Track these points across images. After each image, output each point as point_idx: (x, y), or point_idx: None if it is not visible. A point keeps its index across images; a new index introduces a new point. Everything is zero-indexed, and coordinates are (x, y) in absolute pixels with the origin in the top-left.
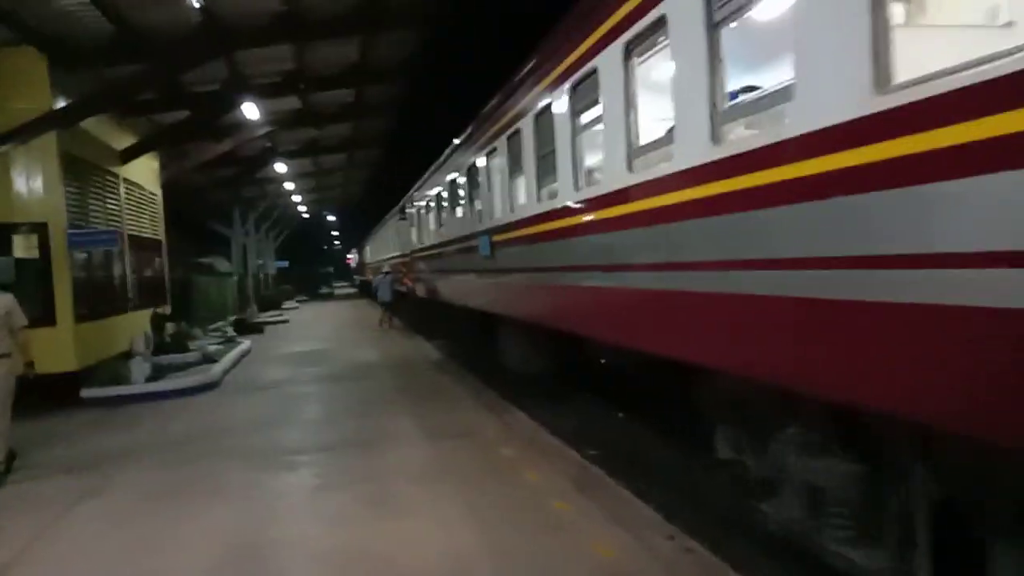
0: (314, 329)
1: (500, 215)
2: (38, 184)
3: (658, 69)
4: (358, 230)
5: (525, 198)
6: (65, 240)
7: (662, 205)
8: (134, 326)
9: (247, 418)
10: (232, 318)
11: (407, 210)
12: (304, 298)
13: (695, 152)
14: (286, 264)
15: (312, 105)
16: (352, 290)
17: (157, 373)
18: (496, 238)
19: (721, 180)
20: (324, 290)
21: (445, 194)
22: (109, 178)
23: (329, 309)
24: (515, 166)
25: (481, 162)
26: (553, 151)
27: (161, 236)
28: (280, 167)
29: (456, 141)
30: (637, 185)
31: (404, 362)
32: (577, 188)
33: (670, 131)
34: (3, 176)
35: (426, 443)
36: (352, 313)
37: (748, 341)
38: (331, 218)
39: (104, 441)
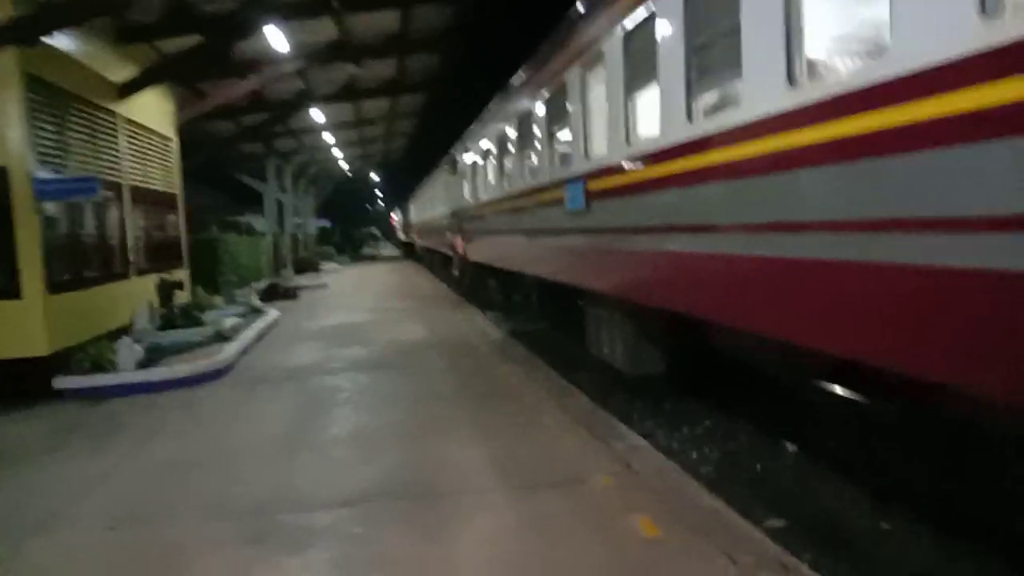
0: (354, 296)
1: (607, 151)
2: None
3: None
4: (402, 189)
5: (663, 120)
6: (30, 189)
7: None
8: (137, 295)
9: (250, 433)
10: (264, 283)
11: (459, 161)
12: (346, 259)
13: None
14: (327, 223)
15: (350, 34)
16: (396, 252)
17: (155, 355)
18: (596, 185)
19: None
20: (367, 251)
21: (511, 134)
22: (102, 116)
23: (372, 272)
24: (641, 74)
25: (573, 81)
26: (734, 29)
27: (176, 189)
28: (316, 115)
29: (528, 65)
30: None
31: (458, 343)
32: (794, 83)
33: None
34: None
35: (507, 498)
36: (397, 278)
37: None
38: (375, 177)
39: (42, 478)
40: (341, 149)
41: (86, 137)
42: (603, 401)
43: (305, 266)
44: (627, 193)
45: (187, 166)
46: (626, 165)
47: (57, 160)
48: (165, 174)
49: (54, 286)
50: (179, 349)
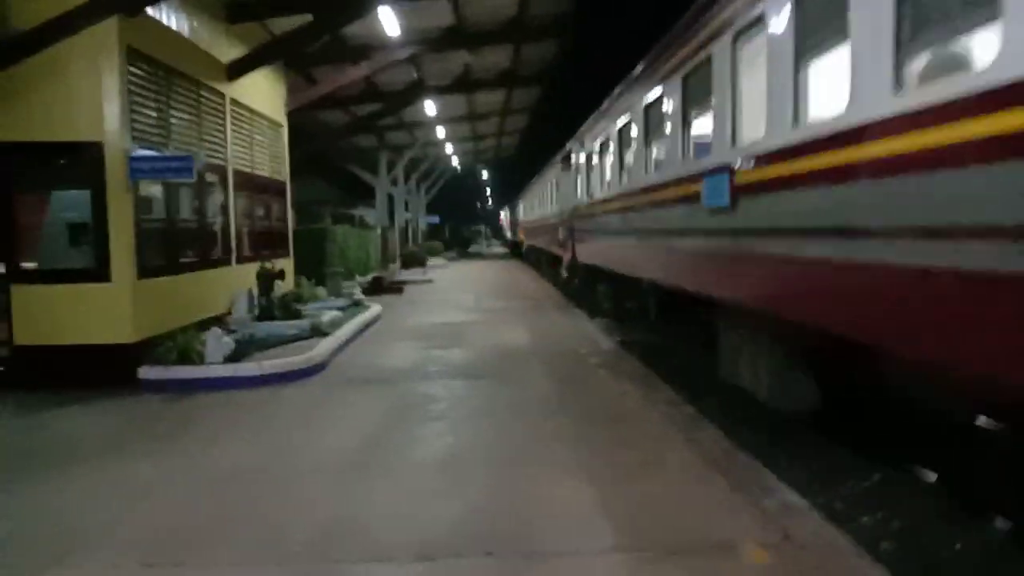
0: (458, 293)
1: (767, 136)
2: (91, 90)
3: None
4: (511, 187)
5: (855, 93)
6: (126, 167)
7: None
8: (237, 283)
9: (327, 445)
10: (370, 276)
11: (572, 157)
12: (453, 256)
13: None
14: (437, 219)
15: (464, 19)
16: (503, 250)
17: (246, 347)
18: (747, 177)
19: None
20: (474, 249)
21: (633, 125)
22: (209, 96)
23: (478, 269)
24: (819, 37)
25: (720, 55)
26: None
27: (284, 177)
28: (429, 107)
29: (657, 47)
30: None
31: (564, 351)
32: None
33: None
34: (46, 80)
35: (627, 568)
36: (502, 276)
37: None
38: (485, 175)
39: (89, 484)
40: (453, 144)
41: (190, 117)
42: (740, 438)
43: (412, 261)
44: (794, 185)
45: (299, 155)
46: (794, 151)
47: (158, 139)
48: (273, 161)
49: (146, 270)
50: (273, 342)
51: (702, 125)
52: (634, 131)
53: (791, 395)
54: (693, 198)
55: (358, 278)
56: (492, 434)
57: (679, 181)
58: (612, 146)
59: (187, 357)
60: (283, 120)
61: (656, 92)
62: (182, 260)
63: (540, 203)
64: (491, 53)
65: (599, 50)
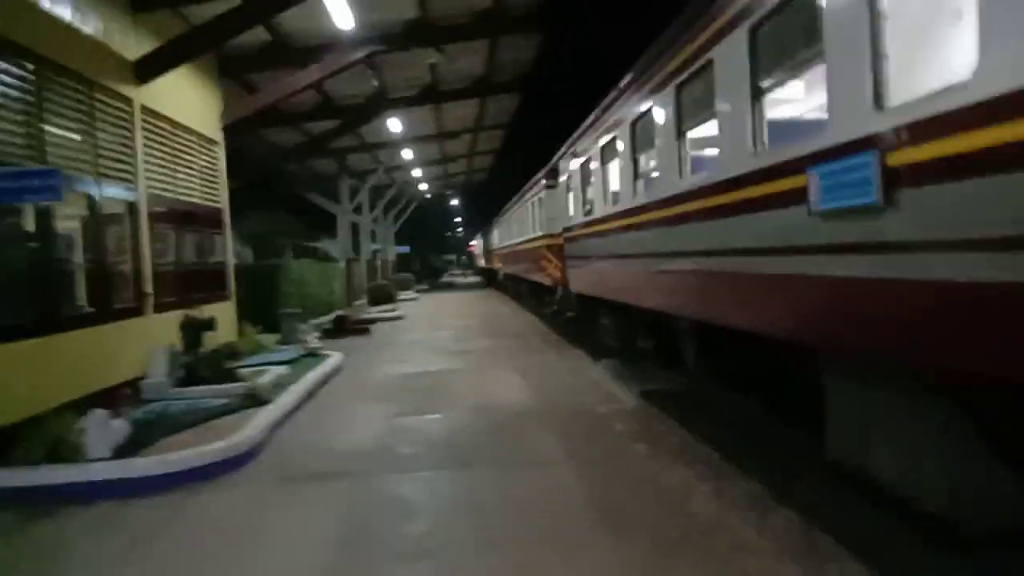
0: (433, 331)
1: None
2: None
3: None
4: (483, 214)
5: None
6: None
7: None
8: (156, 337)
9: None
10: (333, 315)
11: (563, 171)
12: (424, 287)
13: None
14: (407, 249)
15: (432, 11)
16: (475, 279)
17: (149, 432)
18: (914, 155)
19: None
20: (446, 279)
21: (661, 112)
22: (107, 101)
23: (452, 301)
24: None
25: None
26: None
27: (222, 203)
28: (394, 124)
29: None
30: None
31: (575, 410)
32: None
33: None
34: None
35: None
36: (479, 309)
37: None
38: (454, 203)
39: None
40: (421, 168)
41: (80, 127)
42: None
43: (380, 296)
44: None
45: (245, 181)
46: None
47: (28, 154)
48: (205, 184)
49: (5, 331)
50: (188, 421)
51: (791, 93)
52: (659, 120)
53: (990, 506)
54: (784, 201)
55: (311, 321)
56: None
57: (752, 178)
58: (622, 148)
59: (59, 452)
60: (218, 136)
61: (702, 60)
62: (64, 314)
63: (519, 227)
64: (462, 55)
65: (585, 46)
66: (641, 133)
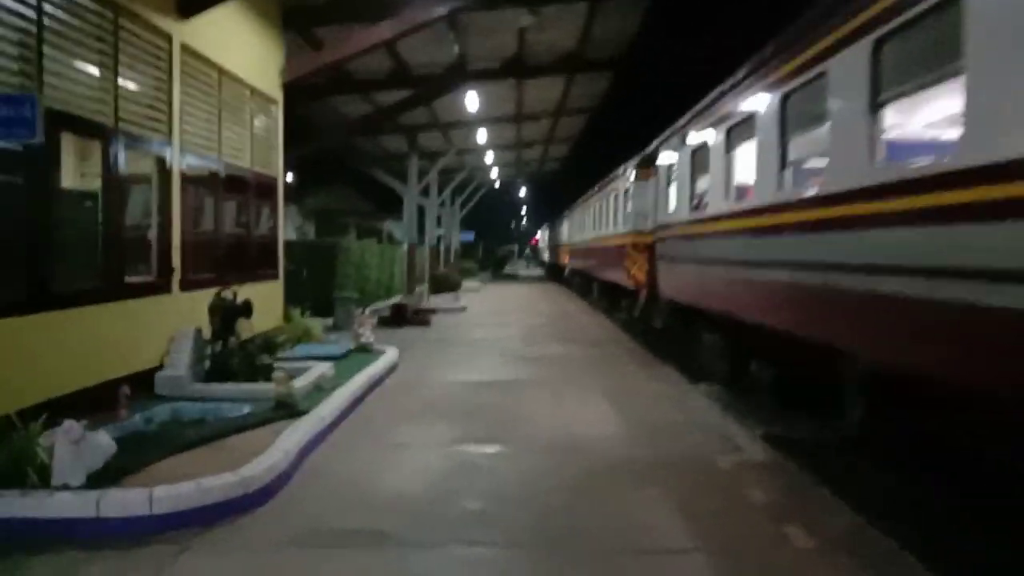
0: (499, 329)
1: None
2: None
3: None
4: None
5: None
6: None
7: None
8: (181, 320)
9: None
10: (391, 302)
11: (661, 158)
12: (487, 277)
13: None
14: (471, 237)
15: None
16: (538, 272)
17: (147, 450)
18: None
19: None
20: (509, 269)
21: (838, 83)
22: (138, 33)
23: (516, 295)
24: None
25: None
26: None
27: (276, 171)
28: (471, 101)
29: None
30: None
31: (691, 463)
32: None
33: None
34: None
35: None
36: (546, 306)
37: None
38: (522, 193)
39: None
40: (494, 152)
41: (97, 59)
42: None
43: (444, 285)
44: None
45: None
46: None
47: (21, 83)
48: (259, 148)
49: None
50: (196, 438)
51: None
52: (834, 89)
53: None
54: None
55: (368, 308)
56: None
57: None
58: (764, 131)
59: (17, 475)
60: (276, 94)
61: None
62: (57, 288)
63: (595, 221)
64: (555, 23)
65: (691, 26)
66: (798, 108)
